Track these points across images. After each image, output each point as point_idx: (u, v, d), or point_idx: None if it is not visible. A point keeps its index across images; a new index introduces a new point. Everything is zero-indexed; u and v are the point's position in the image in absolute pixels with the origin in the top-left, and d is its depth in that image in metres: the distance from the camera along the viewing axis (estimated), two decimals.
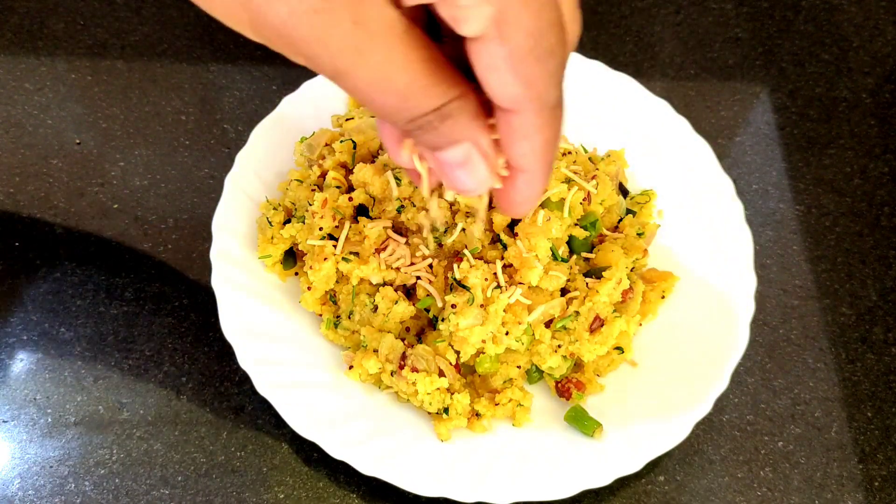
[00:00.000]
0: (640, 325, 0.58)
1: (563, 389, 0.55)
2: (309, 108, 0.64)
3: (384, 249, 0.54)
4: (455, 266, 0.52)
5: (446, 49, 0.28)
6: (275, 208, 0.59)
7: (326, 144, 0.60)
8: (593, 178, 0.58)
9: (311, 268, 0.55)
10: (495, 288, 0.52)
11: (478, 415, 0.54)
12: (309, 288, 0.56)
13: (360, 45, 0.25)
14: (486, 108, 0.28)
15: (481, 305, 0.52)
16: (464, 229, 0.54)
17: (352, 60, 0.25)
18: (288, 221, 0.58)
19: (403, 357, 0.52)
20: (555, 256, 0.54)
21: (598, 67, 0.67)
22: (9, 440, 0.55)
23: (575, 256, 0.57)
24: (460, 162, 0.29)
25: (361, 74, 0.25)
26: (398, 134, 0.32)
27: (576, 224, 0.57)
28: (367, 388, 0.55)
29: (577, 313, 0.54)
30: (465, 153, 0.29)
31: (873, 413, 0.59)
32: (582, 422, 0.54)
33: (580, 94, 0.66)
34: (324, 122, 0.63)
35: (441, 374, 0.52)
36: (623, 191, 0.62)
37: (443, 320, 0.52)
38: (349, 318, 0.56)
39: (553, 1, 0.25)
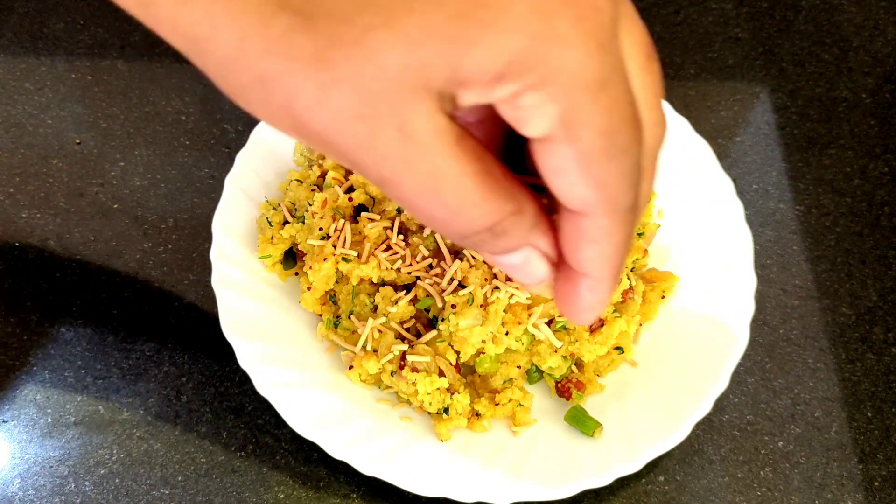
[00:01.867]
0: (641, 325, 0.58)
1: (563, 389, 0.55)
2: None
3: (385, 250, 0.54)
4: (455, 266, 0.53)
5: (502, 142, 0.26)
6: (274, 208, 0.59)
7: None
8: None
9: (310, 268, 0.55)
10: (494, 289, 0.52)
11: (478, 415, 0.54)
12: (309, 288, 0.56)
13: (406, 155, 0.23)
14: (548, 207, 0.26)
15: (481, 305, 0.52)
16: None
17: (398, 169, 0.23)
18: (288, 222, 0.58)
19: (403, 357, 0.52)
20: None
21: None
22: (9, 440, 0.55)
23: None
24: (518, 265, 0.27)
25: (408, 184, 0.24)
26: None
27: None
28: (367, 388, 0.55)
29: None
30: (522, 257, 0.27)
31: (873, 413, 0.59)
32: (582, 422, 0.54)
33: None
34: None
35: (441, 374, 0.52)
36: None
37: (443, 320, 0.52)
38: (349, 318, 0.56)
39: (626, 94, 0.23)
